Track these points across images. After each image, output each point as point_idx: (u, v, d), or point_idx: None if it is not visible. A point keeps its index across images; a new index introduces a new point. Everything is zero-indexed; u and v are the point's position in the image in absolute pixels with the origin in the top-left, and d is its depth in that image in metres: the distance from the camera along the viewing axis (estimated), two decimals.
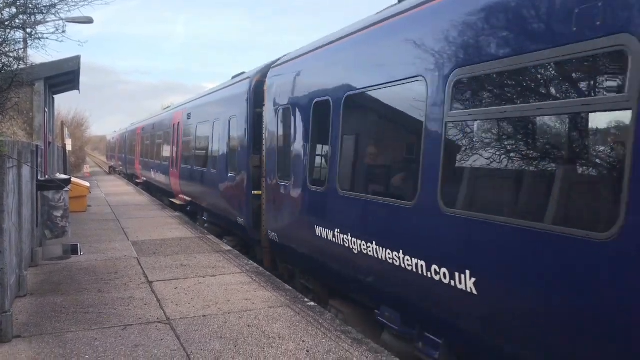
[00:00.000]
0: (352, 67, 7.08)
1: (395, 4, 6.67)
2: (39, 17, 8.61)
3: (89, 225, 14.43)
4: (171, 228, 14.16)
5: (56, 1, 8.57)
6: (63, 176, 14.06)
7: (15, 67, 8.03)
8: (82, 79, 16.24)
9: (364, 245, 6.43)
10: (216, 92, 14.68)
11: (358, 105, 6.97)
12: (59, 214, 10.21)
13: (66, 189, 10.48)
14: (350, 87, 6.93)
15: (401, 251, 5.68)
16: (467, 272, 4.72)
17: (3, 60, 7.75)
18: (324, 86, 7.68)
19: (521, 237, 4.21)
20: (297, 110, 8.67)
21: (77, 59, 13.46)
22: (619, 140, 3.68)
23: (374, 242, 6.22)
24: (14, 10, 7.96)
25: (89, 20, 18.26)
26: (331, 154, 7.32)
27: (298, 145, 8.57)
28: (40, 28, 8.78)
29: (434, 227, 5.20)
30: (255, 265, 9.83)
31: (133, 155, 33.28)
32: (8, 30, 7.91)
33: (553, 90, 4.30)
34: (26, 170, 8.31)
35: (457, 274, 4.85)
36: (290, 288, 8.25)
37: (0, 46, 7.72)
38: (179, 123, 18.89)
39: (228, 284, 8.36)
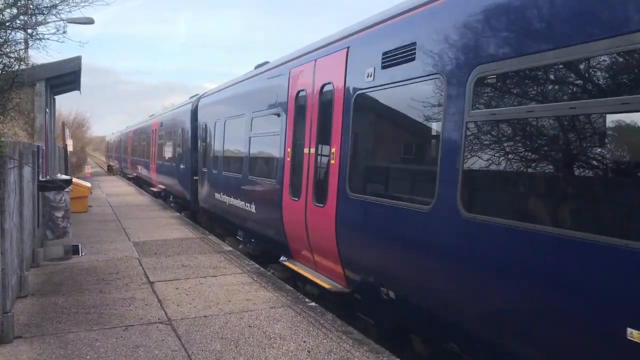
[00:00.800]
0: (227, 105, 13.04)
1: (251, 70, 12.32)
2: (40, 18, 8.61)
3: (90, 225, 14.43)
4: (172, 229, 14.17)
5: (57, 2, 8.57)
6: (64, 176, 14.07)
7: (16, 67, 8.03)
8: (83, 79, 16.42)
9: (229, 199, 12.21)
10: (177, 108, 20.62)
11: (228, 125, 12.65)
12: (60, 214, 10.22)
13: (67, 189, 10.49)
14: (226, 115, 12.83)
15: (238, 199, 11.43)
16: (252, 203, 10.51)
17: (4, 61, 7.74)
18: (219, 113, 13.61)
19: (260, 183, 10.08)
20: (208, 126, 14.56)
21: (78, 59, 13.46)
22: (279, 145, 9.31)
23: (231, 197, 11.94)
24: (14, 10, 7.97)
25: (89, 21, 18.26)
26: (219, 151, 13.28)
27: (208, 146, 14.41)
28: (41, 29, 8.78)
29: (244, 184, 11.07)
30: (257, 266, 9.83)
31: (126, 155, 38.92)
32: (9, 31, 7.91)
33: (266, 125, 10.08)
34: (27, 170, 8.32)
35: (250, 205, 10.63)
36: (292, 289, 8.25)
37: (1, 47, 7.71)
38: (155, 129, 24.42)
39: (229, 284, 8.36)
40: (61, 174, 20.56)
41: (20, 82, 8.06)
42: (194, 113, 16.45)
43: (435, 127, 5.52)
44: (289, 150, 8.87)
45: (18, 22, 8.04)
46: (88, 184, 18.66)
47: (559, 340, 4.06)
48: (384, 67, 6.23)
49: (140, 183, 30.88)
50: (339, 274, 7.39)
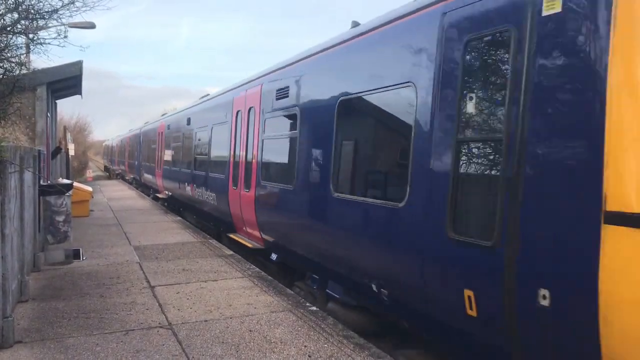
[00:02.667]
0: (147, 132, 27.91)
1: (158, 118, 26.45)
2: (41, 23, 8.62)
3: (92, 229, 14.43)
4: (173, 233, 14.16)
5: (58, 6, 8.57)
6: (65, 181, 14.07)
7: (17, 72, 8.02)
8: (86, 83, 16.80)
9: (146, 174, 27.29)
10: (134, 130, 35.60)
11: (148, 142, 27.31)
12: (61, 218, 10.22)
13: (68, 193, 10.48)
14: (144, 138, 29.21)
15: (147, 174, 26.77)
16: (150, 175, 25.34)
17: (5, 66, 7.75)
18: (145, 135, 28.32)
19: (150, 166, 25.86)
20: (144, 141, 28.42)
21: (79, 64, 13.46)
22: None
23: (150, 175, 25.29)
24: (15, 15, 7.97)
25: (91, 25, 18.27)
26: (146, 155, 27.92)
27: (144, 152, 28.63)
28: (42, 33, 8.78)
29: (148, 168, 26.53)
30: (257, 269, 9.82)
31: (114, 157, 52.96)
32: (10, 36, 7.92)
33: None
34: (28, 175, 8.32)
35: (150, 176, 25.22)
36: (293, 293, 8.23)
37: (2, 52, 7.72)
38: (127, 141, 39.03)
39: (230, 288, 8.35)
40: (62, 178, 20.58)
41: (21, 86, 8.05)
42: (139, 135, 30.93)
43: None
44: (159, 154, 21.47)
45: (19, 26, 8.05)
46: (89, 188, 18.66)
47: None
48: (185, 123, 18.19)
49: (123, 175, 43.65)
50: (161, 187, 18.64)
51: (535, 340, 4.06)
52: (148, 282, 8.72)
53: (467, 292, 4.62)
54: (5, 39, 7.85)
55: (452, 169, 4.83)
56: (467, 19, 4.86)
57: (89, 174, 44.31)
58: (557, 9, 3.98)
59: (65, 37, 8.89)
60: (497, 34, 4.53)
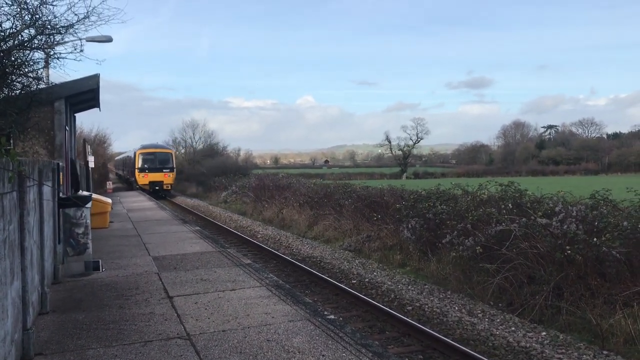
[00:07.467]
0: (122, 159, 64.73)
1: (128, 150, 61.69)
2: (58, 38, 8.73)
3: (111, 241, 14.56)
4: (191, 242, 14.22)
5: (73, 21, 8.69)
6: (85, 193, 14.18)
7: (35, 87, 8.13)
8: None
9: (123, 173, 63.17)
10: (122, 155, 65.62)
11: (121, 162, 66.77)
12: (80, 230, 10.31)
13: (87, 205, 10.57)
14: (119, 161, 69.02)
15: (127, 175, 58.58)
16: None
17: (23, 81, 7.86)
18: (123, 160, 61.13)
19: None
20: (120, 165, 67.85)
21: (96, 77, 13.57)
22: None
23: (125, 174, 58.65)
24: (32, 31, 8.10)
25: (108, 39, 18.49)
26: (122, 168, 65.84)
27: (123, 170, 62.68)
28: (58, 48, 8.89)
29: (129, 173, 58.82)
30: (275, 278, 9.80)
31: (117, 168, 75.46)
32: (27, 51, 8.04)
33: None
34: (47, 188, 8.41)
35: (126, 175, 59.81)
36: (311, 301, 8.19)
37: (20, 67, 7.84)
38: (120, 159, 66.39)
39: (248, 297, 8.33)
40: (82, 190, 20.77)
41: (39, 101, 8.16)
42: (117, 161, 69.14)
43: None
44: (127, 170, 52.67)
45: (36, 42, 8.17)
46: (109, 200, 18.79)
47: None
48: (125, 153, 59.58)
49: (122, 178, 63.53)
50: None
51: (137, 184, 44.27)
52: (166, 292, 8.75)
53: (132, 178, 45.66)
54: (22, 54, 7.97)
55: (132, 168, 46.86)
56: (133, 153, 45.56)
57: (109, 185, 44.85)
58: (145, 155, 44.26)
59: (81, 51, 9.00)
60: (135, 156, 44.83)
